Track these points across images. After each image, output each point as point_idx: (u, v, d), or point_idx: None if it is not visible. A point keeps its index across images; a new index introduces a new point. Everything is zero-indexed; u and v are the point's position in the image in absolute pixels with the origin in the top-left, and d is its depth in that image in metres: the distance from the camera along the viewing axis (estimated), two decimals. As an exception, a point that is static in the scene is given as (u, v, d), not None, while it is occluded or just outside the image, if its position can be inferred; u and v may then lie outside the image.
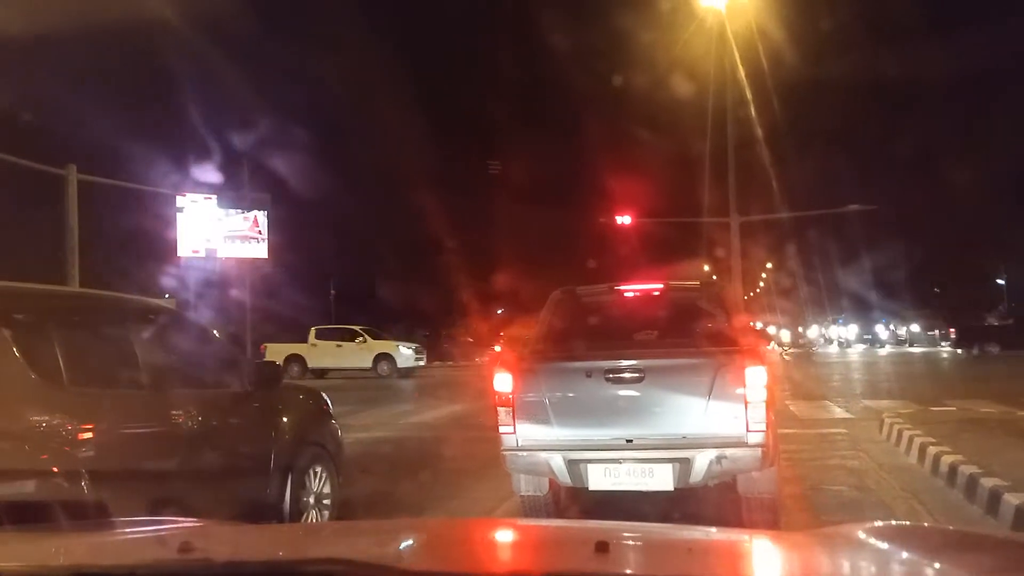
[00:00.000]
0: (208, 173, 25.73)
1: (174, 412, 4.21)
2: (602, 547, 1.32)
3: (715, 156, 20.12)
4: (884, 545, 1.60)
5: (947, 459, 6.49)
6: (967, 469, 6.00)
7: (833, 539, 1.70)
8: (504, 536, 1.90)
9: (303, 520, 4.85)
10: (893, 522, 2.98)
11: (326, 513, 5.09)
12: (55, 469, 3.51)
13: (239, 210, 28.60)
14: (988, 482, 5.51)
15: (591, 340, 5.52)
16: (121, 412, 3.96)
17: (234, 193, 27.72)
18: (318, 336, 25.00)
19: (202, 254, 28.01)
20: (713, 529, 2.05)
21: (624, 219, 22.63)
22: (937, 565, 1.42)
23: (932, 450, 6.96)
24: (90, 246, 18.09)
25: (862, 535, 1.66)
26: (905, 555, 1.50)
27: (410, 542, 1.67)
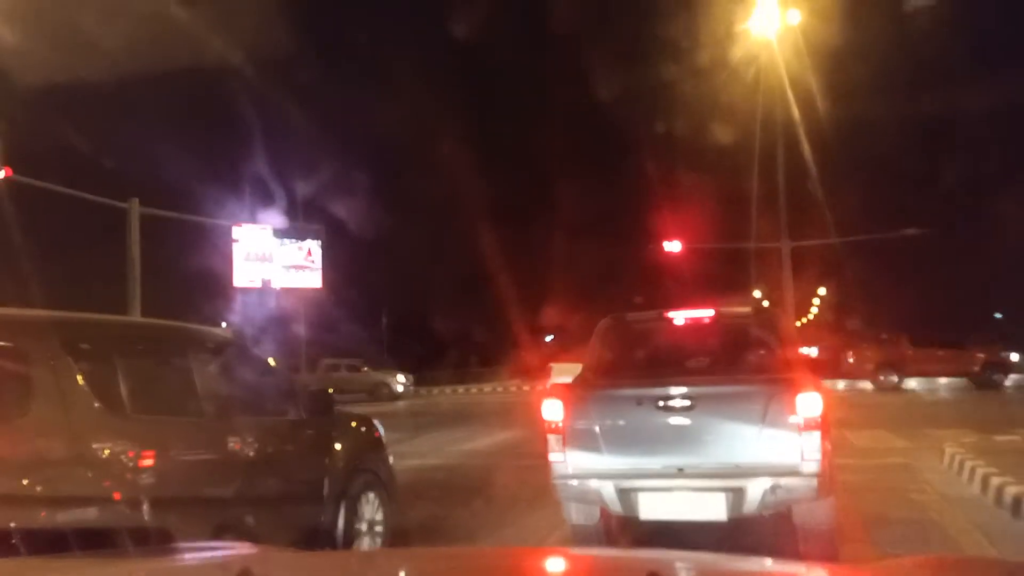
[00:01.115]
0: (263, 204, 26.41)
1: (232, 439, 4.31)
2: None
3: (765, 182, 19.93)
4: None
5: (1011, 490, 6.27)
6: (1034, 500, 5.79)
7: (897, 571, 1.66)
8: (559, 565, 1.90)
9: (355, 547, 4.89)
10: (961, 555, 2.89)
11: (379, 540, 5.13)
12: (117, 496, 3.62)
13: (293, 240, 29.25)
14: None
15: (642, 367, 5.49)
16: (181, 439, 4.07)
17: (289, 224, 28.38)
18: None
19: (257, 284, 28.66)
20: (768, 560, 2.02)
21: (673, 246, 22.40)
22: None
23: (995, 480, 6.72)
24: (150, 277, 18.68)
25: (929, 568, 1.62)
26: None
27: (468, 570, 1.68)
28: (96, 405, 3.67)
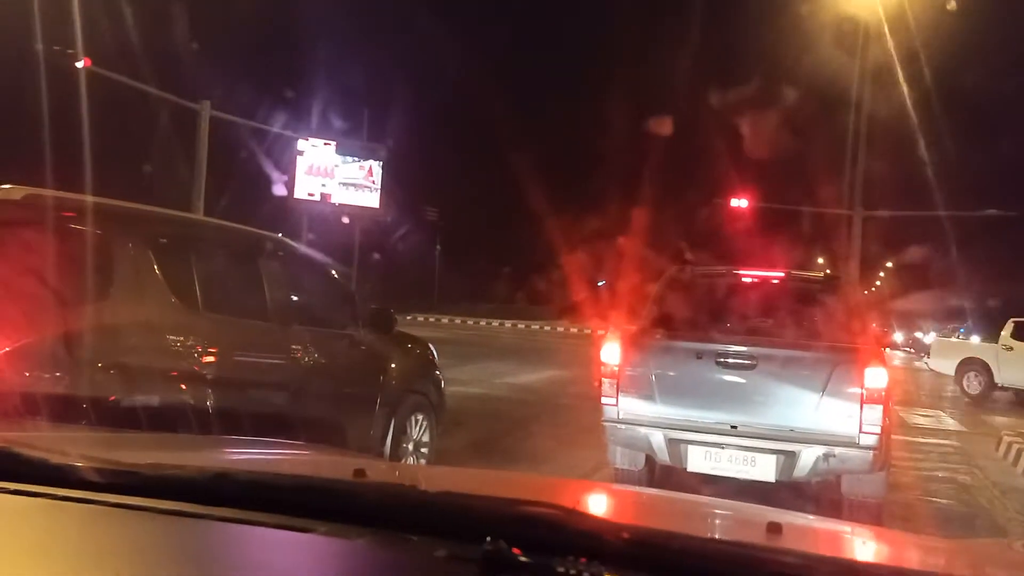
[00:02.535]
0: (329, 121, 26.46)
1: (294, 346, 4.41)
2: (775, 527, 1.31)
3: (842, 148, 19.19)
4: None
5: (1069, 486, 6.10)
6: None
7: (996, 548, 1.64)
8: (669, 505, 1.90)
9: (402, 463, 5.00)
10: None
11: (423, 461, 5.23)
12: (184, 387, 3.74)
13: (356, 158, 29.38)
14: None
15: (705, 321, 5.42)
16: (247, 341, 4.17)
17: (353, 142, 28.46)
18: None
19: (317, 198, 28.97)
20: (873, 528, 2.01)
21: (740, 203, 21.90)
22: None
23: (1053, 474, 6.55)
24: (213, 180, 18.93)
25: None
26: None
27: (568, 497, 1.69)
28: (172, 300, 3.76)
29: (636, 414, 4.94)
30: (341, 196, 29.27)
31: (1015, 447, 8.03)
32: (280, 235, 5.23)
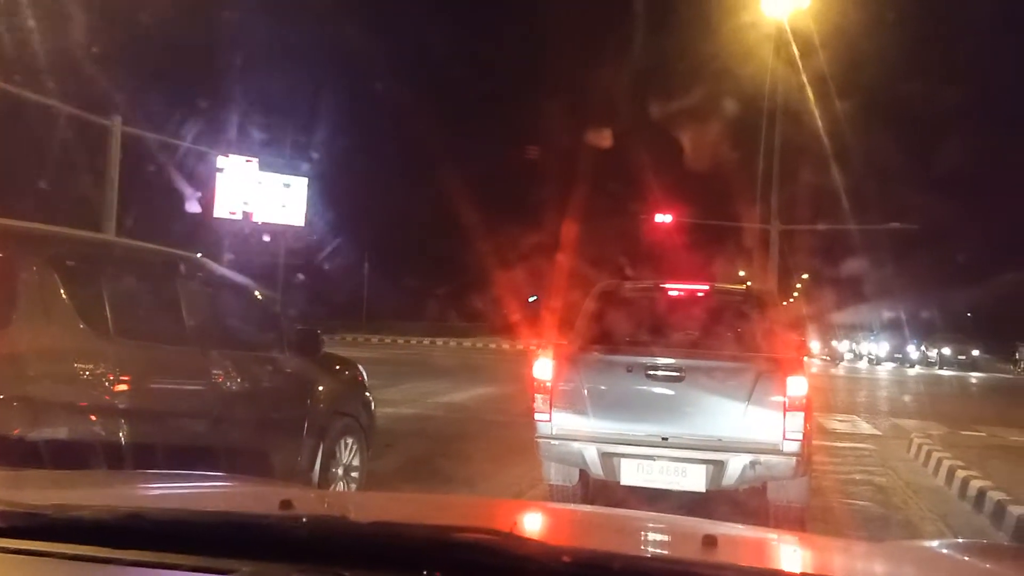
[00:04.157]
0: (250, 137, 25.88)
1: (214, 371, 4.24)
2: (710, 540, 1.32)
3: (757, 164, 19.86)
4: (965, 558, 1.61)
5: (975, 483, 6.39)
6: (995, 495, 5.91)
7: (915, 550, 1.72)
8: (607, 522, 1.89)
9: (331, 490, 4.87)
10: (962, 540, 2.96)
11: (353, 486, 5.11)
12: (93, 417, 3.55)
13: (279, 175, 28.79)
14: (1016, 510, 5.43)
15: (633, 335, 5.48)
16: (162, 367, 4.00)
17: (275, 158, 27.91)
18: None
19: (238, 216, 28.25)
20: (806, 536, 2.06)
21: (664, 218, 22.47)
22: None
23: (961, 473, 6.85)
24: (124, 199, 18.20)
25: (944, 549, 1.69)
26: (988, 567, 1.51)
27: (509, 518, 1.65)
28: (81, 326, 3.57)
29: (569, 429, 4.96)
30: (264, 214, 28.63)
31: (924, 448, 8.39)
32: (199, 255, 5.05)
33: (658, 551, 1.45)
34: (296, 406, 4.81)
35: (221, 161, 27.38)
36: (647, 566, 1.19)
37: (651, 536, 1.66)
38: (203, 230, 27.24)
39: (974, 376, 35.41)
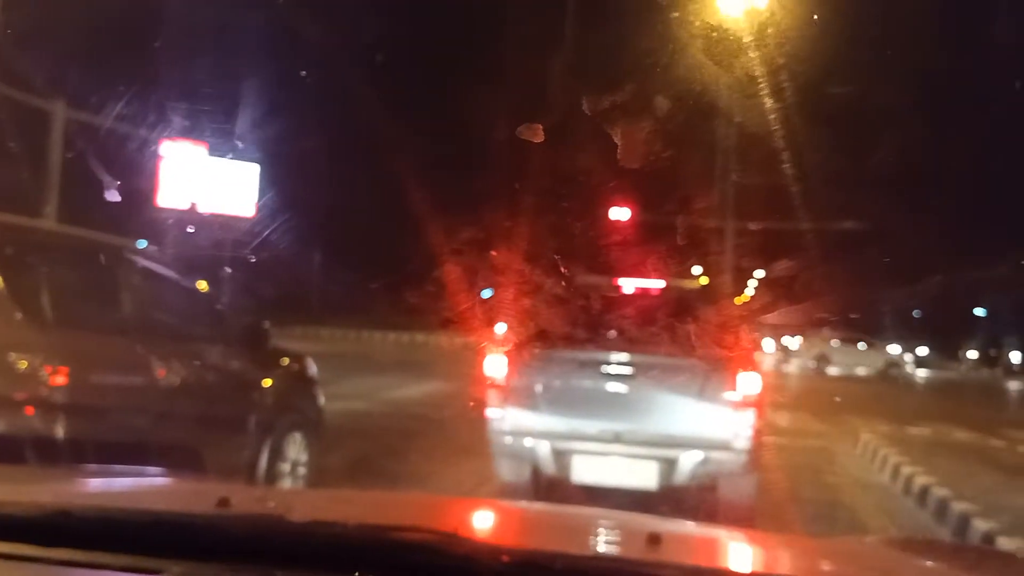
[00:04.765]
0: (197, 122, 25.21)
1: (156, 363, 4.13)
2: (654, 538, 1.31)
3: (716, 162, 20.14)
4: (902, 554, 1.65)
5: (919, 480, 6.55)
6: (938, 492, 6.05)
7: (857, 546, 1.74)
8: (554, 519, 1.88)
9: (277, 486, 4.77)
10: (904, 535, 3.05)
11: (300, 482, 5.03)
12: (30, 410, 3.42)
13: (228, 163, 28.09)
14: (958, 506, 5.57)
15: (587, 331, 5.47)
16: (102, 357, 3.87)
17: (224, 144, 27.23)
18: None
19: (184, 206, 27.50)
20: (751, 532, 2.08)
21: (621, 213, 22.61)
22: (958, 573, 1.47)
23: (906, 470, 7.01)
24: (64, 186, 17.61)
25: (883, 545, 1.69)
26: (929, 564, 1.54)
27: (455, 516, 1.64)
28: (17, 315, 3.43)
29: (521, 426, 4.93)
30: (211, 203, 27.91)
31: (871, 445, 8.59)
32: (142, 244, 4.90)
33: (601, 550, 1.44)
34: (242, 400, 4.70)
35: (167, 147, 26.61)
36: (589, 565, 1.18)
37: (596, 534, 1.66)
38: (147, 218, 26.53)
39: (920, 374, 36.57)
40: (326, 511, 1.56)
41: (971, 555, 2.09)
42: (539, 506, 2.98)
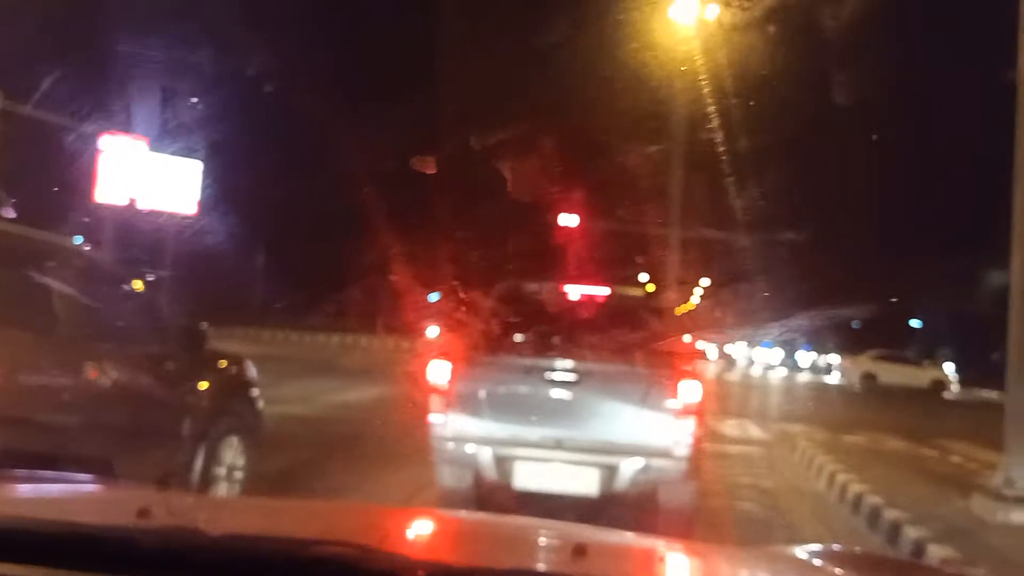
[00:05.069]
0: (138, 116, 24.55)
1: (87, 364, 3.99)
2: (580, 549, 1.30)
3: (664, 171, 20.44)
4: (824, 565, 1.66)
5: (854, 488, 6.70)
6: (872, 499, 6.20)
7: (785, 558, 1.77)
8: (481, 530, 1.87)
9: (212, 491, 4.65)
10: (826, 545, 3.11)
11: (237, 487, 4.90)
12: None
13: (169, 158, 27.38)
14: (890, 514, 5.70)
15: (532, 337, 5.46)
16: (31, 358, 3.73)
17: (166, 140, 26.54)
18: None
19: (123, 202, 26.71)
20: (677, 542, 2.09)
21: (569, 220, 22.78)
22: None
23: (841, 478, 7.17)
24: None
25: (805, 555, 1.73)
26: (841, 572, 1.56)
27: (382, 527, 1.60)
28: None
29: (464, 432, 4.89)
30: (151, 200, 27.14)
31: (808, 453, 8.78)
32: (76, 241, 4.73)
33: (522, 562, 1.42)
34: (176, 404, 4.56)
35: (105, 141, 25.83)
36: None
37: (521, 545, 1.64)
38: (83, 214, 25.68)
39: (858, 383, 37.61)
40: (246, 523, 1.53)
41: (895, 567, 2.14)
42: (469, 516, 2.96)
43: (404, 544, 1.44)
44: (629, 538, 1.91)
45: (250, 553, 1.16)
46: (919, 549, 4.94)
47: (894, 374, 29.52)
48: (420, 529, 1.73)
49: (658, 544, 1.90)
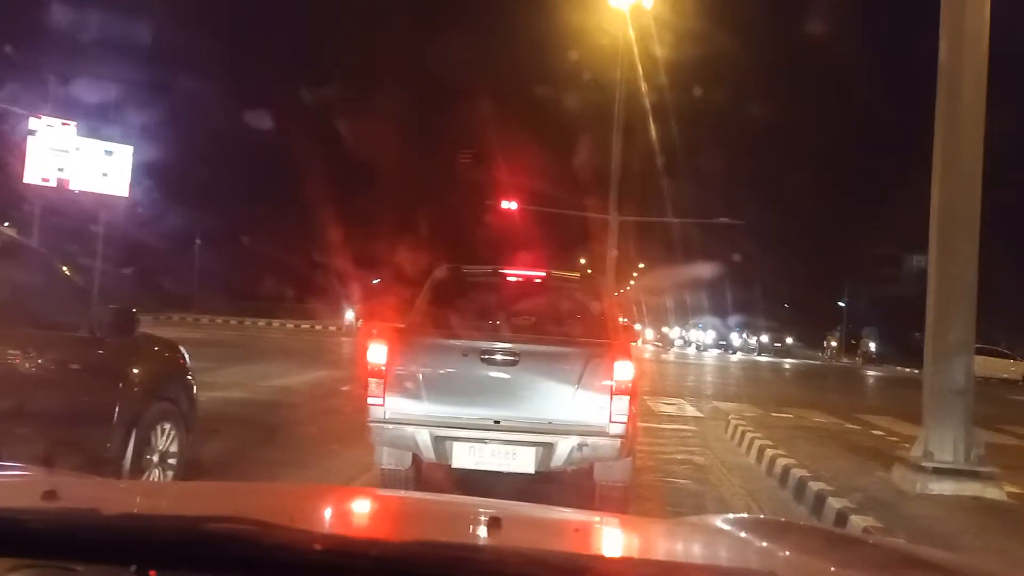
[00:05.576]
0: (69, 98, 23.70)
1: (9, 350, 3.88)
2: (495, 523, 1.31)
3: (603, 156, 20.63)
4: (747, 536, 1.69)
5: (781, 462, 6.94)
6: (798, 472, 6.44)
7: (703, 528, 1.80)
8: (396, 507, 1.86)
9: (145, 478, 4.58)
10: (749, 515, 3.17)
11: (170, 473, 4.83)
12: None
13: (100, 141, 26.52)
14: (815, 486, 5.93)
15: (470, 320, 5.51)
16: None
17: (96, 122, 25.68)
18: None
19: (52, 184, 25.80)
20: (600, 514, 2.12)
21: (510, 205, 22.87)
22: (787, 553, 1.51)
23: (769, 452, 7.43)
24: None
25: (725, 525, 1.76)
26: (763, 544, 1.59)
27: (296, 506, 1.60)
28: None
29: (402, 413, 4.92)
30: (82, 182, 26.25)
31: (739, 429, 9.05)
32: (6, 224, 4.56)
33: (429, 535, 1.43)
34: (105, 390, 4.46)
35: (33, 123, 24.90)
36: (409, 551, 1.16)
37: (434, 520, 1.65)
38: (11, 196, 24.73)
39: (788, 362, 38.75)
40: (150, 504, 1.53)
41: (818, 536, 2.19)
42: (392, 493, 2.97)
43: (306, 520, 1.43)
44: (554, 512, 1.93)
45: (144, 533, 1.16)
46: (842, 519, 5.16)
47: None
48: (331, 506, 1.72)
49: (578, 516, 1.93)
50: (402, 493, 2.14)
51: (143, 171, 27.33)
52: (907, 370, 30.11)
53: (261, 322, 31.86)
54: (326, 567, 1.07)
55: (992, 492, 5.80)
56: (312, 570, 1.06)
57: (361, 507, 1.81)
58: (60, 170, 25.81)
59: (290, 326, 31.72)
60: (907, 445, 6.66)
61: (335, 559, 1.08)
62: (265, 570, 1.06)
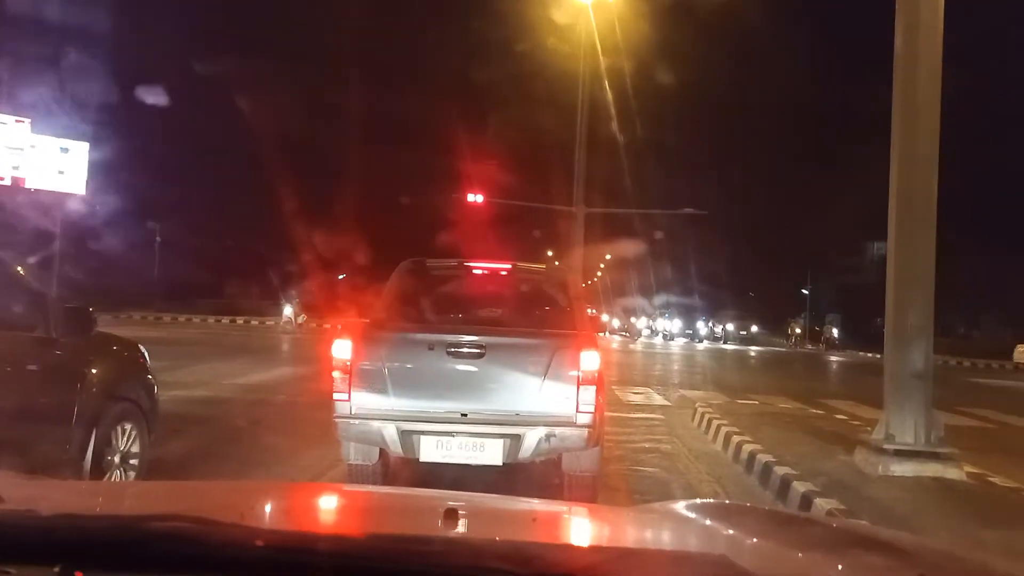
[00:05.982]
0: (23, 94, 23.12)
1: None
2: (451, 514, 1.30)
3: (568, 149, 20.68)
4: (707, 521, 1.70)
5: (747, 448, 7.02)
6: (763, 458, 6.52)
7: (663, 514, 1.80)
8: (350, 501, 1.84)
9: (106, 479, 4.50)
10: (712, 500, 3.19)
11: (132, 474, 4.75)
12: None
13: (56, 138, 25.95)
14: (780, 470, 6.01)
15: (436, 313, 5.48)
16: None
17: (52, 119, 25.11)
18: None
19: (7, 182, 25.20)
20: (560, 503, 2.10)
21: (476, 198, 22.85)
22: (755, 540, 1.52)
23: (735, 439, 7.51)
24: None
25: (689, 512, 1.77)
26: (729, 532, 1.60)
27: (247, 502, 1.57)
28: None
29: (369, 408, 4.88)
30: (37, 180, 25.69)
31: (706, 417, 9.14)
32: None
33: (380, 528, 1.41)
34: (63, 390, 4.37)
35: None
36: (357, 545, 1.14)
37: (387, 513, 1.63)
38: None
39: (753, 349, 39.28)
40: (93, 504, 1.49)
41: (783, 520, 2.20)
42: (350, 488, 2.92)
43: (257, 516, 1.40)
44: (517, 503, 1.92)
45: (81, 532, 1.14)
46: (807, 502, 5.24)
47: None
48: (286, 502, 1.70)
49: (541, 507, 1.92)
50: (364, 488, 2.11)
51: (101, 169, 26.80)
52: (869, 355, 30.68)
53: (226, 319, 31.46)
54: (272, 563, 1.05)
55: (952, 472, 5.92)
56: (259, 567, 1.04)
57: (316, 503, 1.78)
58: (15, 168, 25.24)
59: (255, 323, 31.34)
60: (869, 429, 6.77)
61: (280, 555, 1.06)
62: (210, 568, 1.03)
